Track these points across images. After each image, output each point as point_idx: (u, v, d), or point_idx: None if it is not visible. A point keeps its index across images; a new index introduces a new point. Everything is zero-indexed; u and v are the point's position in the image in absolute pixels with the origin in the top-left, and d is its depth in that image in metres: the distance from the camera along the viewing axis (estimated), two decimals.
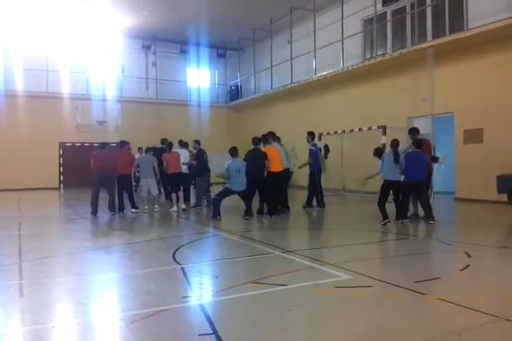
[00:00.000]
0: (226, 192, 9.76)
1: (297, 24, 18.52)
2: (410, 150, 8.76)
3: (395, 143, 8.77)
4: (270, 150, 10.09)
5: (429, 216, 8.65)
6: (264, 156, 9.86)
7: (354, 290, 4.40)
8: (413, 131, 9.16)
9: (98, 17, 18.51)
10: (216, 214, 9.52)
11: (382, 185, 8.74)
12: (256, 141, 10.18)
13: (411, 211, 9.09)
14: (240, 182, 9.57)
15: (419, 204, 9.08)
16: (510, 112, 11.44)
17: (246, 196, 9.75)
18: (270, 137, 10.49)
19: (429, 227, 8.76)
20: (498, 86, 11.71)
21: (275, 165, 9.89)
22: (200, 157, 11.53)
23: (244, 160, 9.92)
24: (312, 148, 11.33)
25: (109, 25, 19.73)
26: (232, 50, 23.60)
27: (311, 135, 11.54)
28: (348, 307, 3.97)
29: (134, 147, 13.92)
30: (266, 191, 9.97)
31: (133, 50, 22.11)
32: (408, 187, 8.60)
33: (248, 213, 9.64)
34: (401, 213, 8.68)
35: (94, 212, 10.49)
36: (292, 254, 6.03)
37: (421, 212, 9.01)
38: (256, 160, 9.79)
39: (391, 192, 8.76)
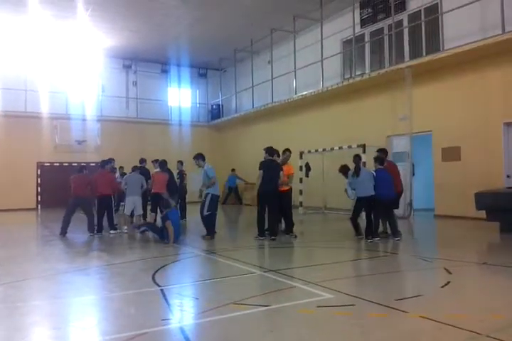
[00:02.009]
0: (215, 202, 9.50)
1: (277, 45, 18.81)
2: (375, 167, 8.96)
3: (357, 158, 8.86)
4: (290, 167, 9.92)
5: (395, 233, 8.73)
6: (279, 168, 9.35)
7: (336, 309, 4.37)
8: (380, 152, 9.39)
9: (79, 37, 18.53)
10: (213, 232, 9.41)
11: (356, 201, 8.83)
12: (271, 151, 9.55)
13: (380, 228, 9.12)
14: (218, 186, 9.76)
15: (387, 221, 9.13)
16: (486, 130, 11.70)
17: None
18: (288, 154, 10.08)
19: (408, 244, 8.83)
20: (474, 105, 11.98)
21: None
22: (180, 178, 11.64)
23: (260, 169, 9.36)
24: None
25: (90, 45, 19.76)
26: (214, 69, 23.81)
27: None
28: (330, 326, 3.93)
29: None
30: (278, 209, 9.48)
31: (113, 70, 22.12)
32: (381, 205, 8.68)
33: (273, 233, 9.24)
34: (371, 231, 8.70)
35: (64, 233, 10.37)
36: (274, 274, 5.98)
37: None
38: (272, 172, 9.21)
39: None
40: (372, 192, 8.61)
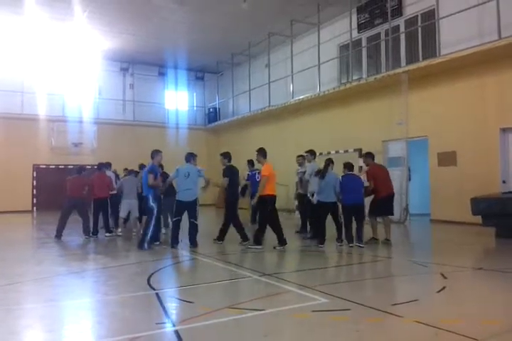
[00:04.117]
0: (178, 207, 8.90)
1: (275, 49, 18.85)
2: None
3: (328, 162, 8.88)
4: (268, 167, 8.82)
5: (359, 239, 8.61)
6: (238, 173, 9.32)
7: (331, 313, 4.36)
8: (367, 156, 9.47)
9: (76, 39, 18.52)
10: (175, 241, 8.84)
11: (317, 206, 8.87)
12: (229, 156, 9.45)
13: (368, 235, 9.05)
14: (188, 190, 8.80)
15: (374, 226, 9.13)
16: (482, 136, 11.74)
17: (193, 213, 8.90)
18: (260, 154, 9.05)
19: (404, 249, 8.84)
20: (470, 110, 12.02)
21: (272, 187, 8.72)
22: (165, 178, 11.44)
23: (226, 176, 9.16)
24: (249, 173, 10.60)
25: (87, 47, 19.75)
26: (211, 73, 23.84)
27: (250, 162, 10.79)
28: (325, 331, 3.92)
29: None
30: (266, 218, 8.76)
31: (110, 72, 22.11)
32: (345, 210, 8.74)
33: (221, 238, 9.18)
34: (341, 235, 8.77)
35: (59, 235, 10.29)
36: (269, 278, 5.97)
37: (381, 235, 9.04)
38: (235, 178, 9.27)
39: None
40: (333, 200, 8.69)
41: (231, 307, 4.57)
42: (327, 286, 5.44)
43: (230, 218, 9.26)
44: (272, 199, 8.72)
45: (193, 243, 8.91)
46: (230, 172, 9.31)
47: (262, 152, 9.07)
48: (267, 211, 8.72)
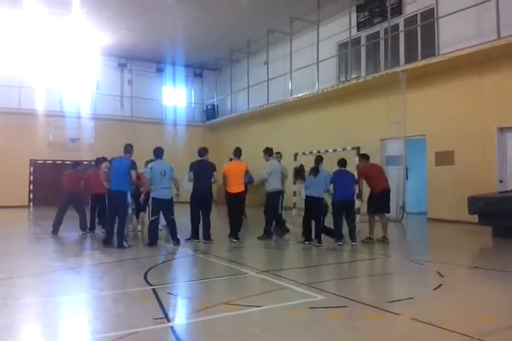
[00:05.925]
0: (154, 206, 8.73)
1: (274, 46, 18.84)
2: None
3: (318, 159, 8.86)
4: (226, 165, 9.33)
5: (352, 237, 8.56)
6: (211, 167, 9.11)
7: (328, 310, 4.36)
8: (362, 157, 9.55)
9: (75, 34, 18.45)
10: (153, 240, 8.63)
11: (304, 201, 8.84)
12: (202, 152, 9.34)
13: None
14: (165, 188, 8.62)
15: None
16: (480, 135, 11.76)
17: (170, 211, 8.75)
18: (233, 154, 9.56)
19: (401, 247, 8.86)
20: (468, 109, 12.04)
21: (229, 185, 9.16)
22: None
23: (190, 171, 9.05)
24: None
25: (86, 43, 19.68)
26: (209, 69, 23.80)
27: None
28: (322, 328, 3.92)
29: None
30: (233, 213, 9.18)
31: (109, 68, 22.04)
32: (335, 207, 8.70)
33: (195, 237, 9.01)
34: (313, 233, 8.67)
35: (56, 231, 10.25)
36: (266, 274, 5.97)
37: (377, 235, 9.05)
38: (204, 171, 9.04)
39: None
40: (319, 195, 8.61)
41: (228, 303, 4.57)
42: (324, 283, 5.45)
43: (191, 214, 9.25)
44: (228, 196, 9.18)
45: (176, 240, 8.75)
46: (192, 167, 9.20)
47: (234, 151, 9.57)
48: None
